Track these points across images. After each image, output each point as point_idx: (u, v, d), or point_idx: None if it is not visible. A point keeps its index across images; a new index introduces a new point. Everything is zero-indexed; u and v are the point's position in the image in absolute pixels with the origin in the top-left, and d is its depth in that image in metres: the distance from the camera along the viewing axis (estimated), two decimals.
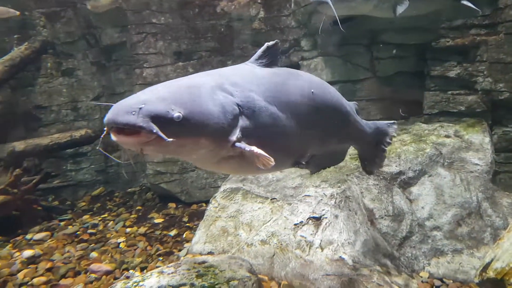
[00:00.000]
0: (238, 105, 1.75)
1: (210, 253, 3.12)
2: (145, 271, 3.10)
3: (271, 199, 3.25)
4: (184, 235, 3.66)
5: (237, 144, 1.70)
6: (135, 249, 3.47)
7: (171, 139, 1.52)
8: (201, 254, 3.13)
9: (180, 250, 3.39)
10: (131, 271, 3.11)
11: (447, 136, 3.52)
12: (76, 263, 3.16)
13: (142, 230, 3.76)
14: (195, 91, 1.68)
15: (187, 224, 3.86)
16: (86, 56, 4.29)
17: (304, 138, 2.03)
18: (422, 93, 3.96)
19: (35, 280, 2.87)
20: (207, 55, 4.13)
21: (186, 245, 3.47)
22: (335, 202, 3.07)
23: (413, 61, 3.95)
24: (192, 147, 1.67)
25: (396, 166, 3.31)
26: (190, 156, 1.77)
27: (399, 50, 3.90)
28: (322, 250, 2.86)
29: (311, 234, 2.94)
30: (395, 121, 2.51)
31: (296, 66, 4.19)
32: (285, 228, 3.02)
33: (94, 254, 3.34)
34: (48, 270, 3.02)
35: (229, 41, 4.10)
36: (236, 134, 1.70)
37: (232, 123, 1.71)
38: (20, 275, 2.92)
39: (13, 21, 4.15)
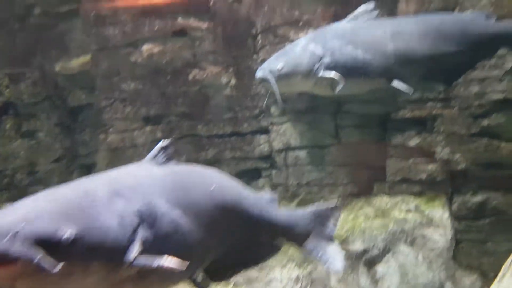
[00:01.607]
0: (138, 213, 1.51)
1: None
2: None
3: (233, 284, 3.07)
4: None
5: (136, 262, 1.42)
6: None
7: (57, 268, 1.21)
8: None
9: None
10: None
11: (409, 211, 3.61)
12: None
13: None
14: (88, 201, 1.43)
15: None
16: (50, 117, 4.10)
17: (208, 241, 1.82)
18: (385, 160, 4.07)
19: None
20: (177, 119, 4.08)
21: None
22: (300, 287, 2.95)
23: (375, 130, 4.09)
24: (81, 275, 1.33)
25: (361, 243, 3.31)
26: None
27: (362, 119, 4.04)
28: None
29: None
30: (337, 204, 2.35)
31: (266, 131, 4.22)
32: None
33: None
34: None
35: (201, 107, 4.09)
36: (135, 250, 1.43)
37: (132, 237, 1.44)
38: None
39: None
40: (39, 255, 1.20)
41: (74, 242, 1.27)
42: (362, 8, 3.34)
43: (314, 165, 4.14)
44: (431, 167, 3.88)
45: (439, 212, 3.58)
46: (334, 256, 2.18)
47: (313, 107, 4.02)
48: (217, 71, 4.04)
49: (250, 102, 4.06)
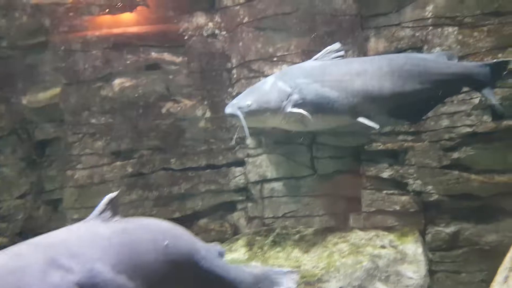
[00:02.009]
0: (78, 285, 1.38)
1: None
2: None
3: None
4: None
5: None
6: None
7: None
8: None
9: None
10: None
11: (383, 247, 3.61)
12: None
13: None
14: (22, 277, 1.28)
15: None
16: (16, 152, 3.91)
17: None
18: (360, 191, 4.07)
19: None
20: (149, 153, 3.97)
21: None
22: None
23: (350, 161, 4.11)
24: None
25: (336, 281, 3.28)
26: None
27: (336, 151, 4.06)
28: None
29: None
30: (295, 270, 2.26)
31: (242, 163, 4.17)
32: None
33: None
34: None
35: (174, 140, 4.01)
36: None
37: None
38: None
39: None
40: None
41: None
42: (329, 47, 3.45)
43: (290, 196, 4.11)
44: (404, 198, 3.91)
45: (413, 247, 3.59)
46: None
47: (288, 138, 4.02)
48: (191, 104, 3.99)
49: (225, 135, 4.02)
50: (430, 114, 3.41)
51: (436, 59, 3.34)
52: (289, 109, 3.20)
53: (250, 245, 3.86)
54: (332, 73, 3.30)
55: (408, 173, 3.87)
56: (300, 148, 4.05)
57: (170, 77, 3.96)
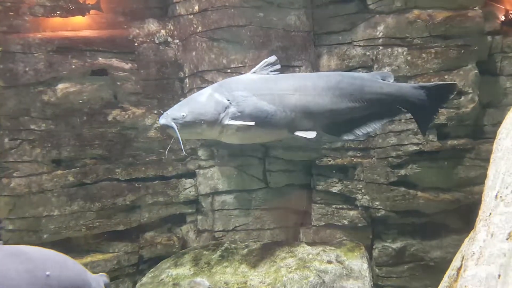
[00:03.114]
0: None
1: None
2: None
3: None
4: None
5: None
6: None
7: None
8: None
9: None
10: None
11: (329, 262, 3.61)
12: None
13: None
14: None
15: None
16: None
17: None
18: (311, 205, 4.07)
19: None
20: (93, 162, 3.76)
21: None
22: None
23: (301, 175, 4.11)
24: None
25: None
26: None
27: (288, 165, 4.04)
28: None
29: None
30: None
31: (193, 174, 4.05)
32: None
33: None
34: None
35: (120, 149, 3.82)
36: None
37: None
38: None
39: None
40: None
41: None
42: (266, 60, 3.43)
43: (242, 209, 4.02)
44: (352, 213, 3.94)
45: (358, 263, 3.61)
46: None
47: (241, 151, 3.96)
48: (140, 113, 3.81)
49: (176, 145, 3.89)
50: (371, 132, 3.45)
51: (371, 78, 3.39)
52: (227, 121, 3.14)
53: (196, 260, 3.74)
54: (270, 87, 3.28)
55: (357, 188, 3.91)
56: (253, 161, 3.99)
57: (118, 83, 3.77)
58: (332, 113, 3.29)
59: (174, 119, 3.06)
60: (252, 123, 3.15)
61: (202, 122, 3.11)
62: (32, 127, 3.58)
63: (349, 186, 3.94)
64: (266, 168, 4.04)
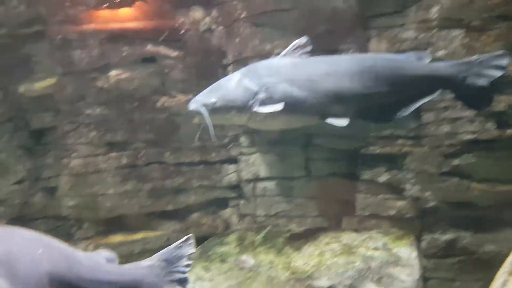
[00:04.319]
0: None
1: None
2: None
3: None
4: None
5: None
6: None
7: None
8: None
9: None
10: None
11: (376, 249, 3.51)
12: None
13: None
14: None
15: None
16: (12, 139, 3.94)
17: None
18: (355, 195, 3.97)
19: None
20: (143, 146, 3.94)
21: None
22: None
23: (345, 164, 3.98)
24: None
25: (326, 279, 3.21)
26: None
27: (332, 153, 3.95)
28: None
29: None
30: (190, 235, 2.14)
31: (236, 160, 4.09)
32: None
33: None
34: None
35: (168, 134, 3.96)
36: None
37: None
38: None
39: None
40: None
41: None
42: (296, 42, 3.30)
43: (283, 196, 4.02)
44: (400, 204, 3.78)
45: (407, 251, 3.50)
46: None
47: (283, 138, 3.93)
48: (186, 100, 3.91)
49: (219, 131, 3.94)
50: (408, 116, 3.26)
51: (406, 60, 3.19)
52: (256, 108, 3.08)
53: (241, 240, 3.82)
54: (301, 72, 3.17)
55: (406, 178, 3.72)
56: (294, 148, 3.93)
57: (166, 71, 3.89)
58: (366, 98, 3.14)
59: (204, 104, 3.04)
60: (281, 109, 3.05)
61: (232, 108, 3.08)
62: (88, 111, 3.82)
63: (398, 176, 3.76)
64: (308, 156, 3.97)
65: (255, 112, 3.11)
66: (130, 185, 3.94)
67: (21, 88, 3.84)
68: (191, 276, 3.24)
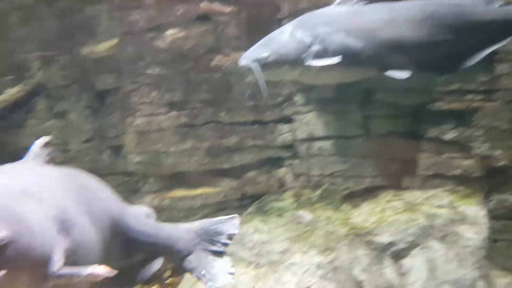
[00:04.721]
0: (54, 218, 1.27)
1: None
2: None
3: (255, 264, 3.05)
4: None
5: (62, 272, 1.22)
6: None
7: (1, 273, 1.01)
8: None
9: None
10: None
11: (441, 207, 3.35)
12: None
13: None
14: (7, 198, 1.17)
15: (167, 282, 3.64)
16: (80, 100, 4.17)
17: (106, 253, 1.60)
18: (417, 154, 3.79)
19: None
20: (200, 106, 3.99)
21: None
22: (322, 273, 2.89)
23: (407, 121, 3.79)
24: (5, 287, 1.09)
25: (387, 236, 3.14)
26: None
27: (393, 109, 3.76)
28: None
29: None
30: (236, 215, 2.03)
31: (290, 119, 4.05)
32: None
33: None
34: None
35: (224, 94, 3.98)
36: (59, 259, 1.23)
37: (55, 244, 1.24)
38: None
39: (8, 62, 4.07)
40: None
41: (6, 246, 1.05)
42: None
43: (339, 156, 3.94)
44: (467, 162, 3.55)
45: (474, 210, 3.30)
46: (219, 273, 1.86)
47: (340, 96, 3.80)
48: (240, 57, 3.88)
49: (273, 90, 3.88)
50: (476, 66, 2.97)
51: (472, 4, 2.86)
52: (310, 61, 2.91)
53: (297, 196, 3.80)
54: (358, 21, 2.96)
55: (474, 135, 3.47)
56: (352, 105, 3.78)
57: (220, 28, 3.85)
58: (429, 47, 2.90)
59: (255, 60, 2.93)
60: (337, 62, 2.88)
61: (284, 63, 2.94)
62: (148, 71, 3.91)
63: (465, 133, 3.52)
64: (367, 113, 3.81)
65: (309, 66, 2.97)
66: (189, 144, 4.05)
67: (84, 51, 4.01)
68: (249, 228, 3.37)
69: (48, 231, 1.22)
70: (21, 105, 4.05)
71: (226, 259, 1.92)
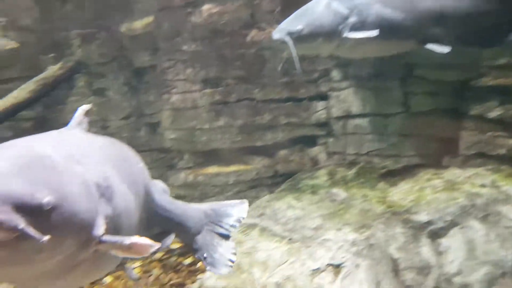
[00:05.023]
0: (97, 184, 1.26)
1: None
2: None
3: (288, 239, 3.05)
4: (198, 265, 3.49)
5: (105, 238, 1.22)
6: (148, 277, 3.35)
7: (45, 239, 0.98)
8: None
9: (193, 282, 3.24)
10: None
11: (483, 186, 3.20)
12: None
13: (158, 255, 3.63)
14: (52, 164, 1.16)
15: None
16: (118, 77, 4.26)
17: (141, 222, 1.62)
18: (459, 132, 3.63)
19: None
20: (234, 83, 3.98)
21: (199, 276, 3.32)
22: (357, 250, 2.85)
23: (450, 98, 3.62)
24: (52, 251, 1.09)
25: (425, 214, 3.04)
26: (36, 268, 1.14)
27: (435, 86, 3.61)
28: None
29: (329, 282, 2.74)
30: (245, 200, 2.01)
31: (325, 96, 3.98)
32: (301, 273, 2.81)
33: (107, 279, 3.24)
34: None
35: (258, 70, 3.94)
36: (102, 225, 1.23)
37: (97, 209, 1.23)
38: None
39: (50, 41, 4.21)
40: (22, 222, 0.98)
41: (52, 210, 1.04)
42: None
43: (376, 134, 3.83)
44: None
45: None
46: (220, 259, 1.86)
47: (378, 71, 3.67)
48: None
49: (308, 66, 3.80)
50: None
51: None
52: (347, 34, 2.78)
53: (331, 174, 3.73)
54: None
55: None
56: (392, 81, 3.65)
57: (255, 2, 3.80)
58: (472, 18, 2.74)
59: (289, 33, 2.82)
60: (375, 35, 2.75)
61: (319, 35, 2.82)
62: (184, 47, 3.93)
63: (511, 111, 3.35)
64: (407, 90, 3.68)
65: (345, 39, 2.85)
66: (222, 121, 4.07)
67: (123, 28, 4.07)
68: (282, 205, 3.37)
69: (91, 197, 1.22)
70: (63, 82, 4.18)
71: (230, 244, 1.92)
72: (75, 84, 4.24)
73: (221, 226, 1.92)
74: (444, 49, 2.81)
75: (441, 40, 2.83)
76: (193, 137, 4.06)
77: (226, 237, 1.91)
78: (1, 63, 4.14)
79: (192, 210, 1.97)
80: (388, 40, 2.91)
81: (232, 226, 1.92)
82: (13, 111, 3.78)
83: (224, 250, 1.88)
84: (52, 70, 4.08)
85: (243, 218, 1.92)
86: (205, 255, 1.89)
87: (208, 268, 1.91)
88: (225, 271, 1.86)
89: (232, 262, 1.87)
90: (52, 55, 4.18)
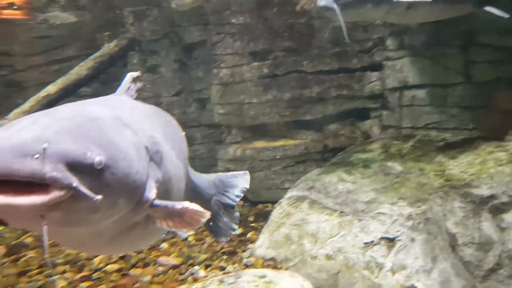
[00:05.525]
0: (147, 148, 1.26)
1: (272, 259, 3.01)
2: (208, 269, 3.10)
3: (339, 212, 3.01)
4: (248, 235, 3.57)
5: (157, 202, 1.23)
6: (202, 244, 3.47)
7: (98, 198, 1.00)
8: (263, 258, 3.05)
9: (243, 251, 3.32)
10: (196, 267, 3.12)
11: None
12: (147, 253, 3.24)
13: None
14: (103, 125, 1.17)
15: (252, 224, 3.76)
16: (169, 54, 4.35)
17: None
18: None
19: (108, 267, 2.98)
20: (283, 55, 3.92)
21: (249, 245, 3.38)
22: (412, 224, 2.76)
23: None
24: (105, 211, 1.10)
25: (487, 188, 2.86)
26: (90, 226, 1.16)
27: (499, 53, 3.35)
28: (393, 275, 2.60)
29: (383, 255, 2.68)
30: (247, 171, 2.00)
31: (380, 66, 3.83)
32: (353, 245, 2.78)
33: (164, 245, 3.41)
34: (121, 258, 3.13)
35: (307, 41, 3.85)
36: (153, 188, 1.23)
37: (148, 172, 1.23)
38: (96, 261, 3.06)
39: (105, 19, 4.36)
40: (75, 181, 0.98)
41: (103, 170, 1.05)
42: None
43: (435, 106, 3.65)
44: None
45: None
46: (223, 228, 1.93)
47: (437, 39, 3.46)
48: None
49: (361, 35, 3.66)
50: None
51: None
52: None
53: (386, 147, 3.57)
54: None
55: None
56: (451, 50, 3.43)
57: None
58: None
59: None
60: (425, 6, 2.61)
61: (368, 1, 2.69)
62: (233, 21, 3.90)
63: None
64: (468, 58, 3.45)
65: (396, 3, 2.70)
66: (271, 95, 4.04)
67: (173, 4, 4.11)
68: (333, 178, 3.32)
69: (142, 159, 1.22)
70: (118, 59, 4.33)
71: (235, 214, 1.97)
72: (129, 61, 4.38)
73: (228, 197, 1.98)
74: (504, 13, 2.60)
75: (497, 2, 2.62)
76: (241, 111, 4.08)
77: (231, 207, 1.97)
78: (62, 41, 4.36)
79: (205, 181, 2.02)
80: (442, 3, 2.74)
81: (237, 196, 1.97)
82: (74, 88, 3.99)
83: (228, 220, 1.96)
84: (108, 48, 4.23)
85: (247, 188, 1.97)
86: (210, 223, 1.96)
87: (211, 235, 2.00)
88: (227, 239, 1.97)
89: (234, 230, 1.96)
90: (107, 33, 4.32)
